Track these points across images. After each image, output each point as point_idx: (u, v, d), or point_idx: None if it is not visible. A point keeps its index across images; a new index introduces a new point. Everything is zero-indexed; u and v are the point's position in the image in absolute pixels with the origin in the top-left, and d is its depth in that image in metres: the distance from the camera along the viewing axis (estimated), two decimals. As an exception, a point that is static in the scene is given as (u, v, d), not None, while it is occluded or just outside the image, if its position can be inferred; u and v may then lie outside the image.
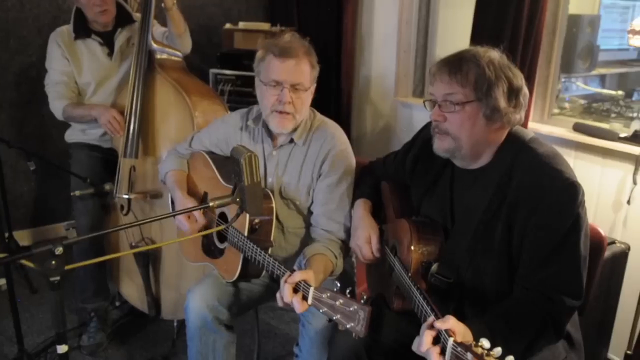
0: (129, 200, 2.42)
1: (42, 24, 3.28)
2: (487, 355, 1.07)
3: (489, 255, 1.44)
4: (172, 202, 2.34)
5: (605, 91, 3.73)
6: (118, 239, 2.54)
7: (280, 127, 1.78)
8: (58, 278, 1.16)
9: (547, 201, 1.35)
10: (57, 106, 2.47)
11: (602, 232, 1.68)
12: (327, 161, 1.82)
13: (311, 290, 1.40)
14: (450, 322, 1.19)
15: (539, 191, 1.36)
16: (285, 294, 1.44)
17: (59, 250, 1.14)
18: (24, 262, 1.16)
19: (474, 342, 1.11)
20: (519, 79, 1.43)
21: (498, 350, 1.07)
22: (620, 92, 3.64)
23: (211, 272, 1.95)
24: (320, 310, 1.37)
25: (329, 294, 1.35)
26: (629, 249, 2.08)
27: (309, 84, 1.78)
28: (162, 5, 2.38)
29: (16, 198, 3.35)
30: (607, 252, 2.03)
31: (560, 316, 1.38)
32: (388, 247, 1.70)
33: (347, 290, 1.39)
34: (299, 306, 1.42)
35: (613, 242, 2.08)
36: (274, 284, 1.94)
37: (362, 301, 1.32)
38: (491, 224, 1.42)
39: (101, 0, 2.39)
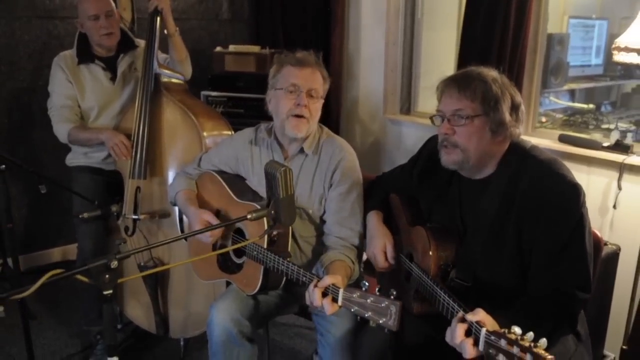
0: (134, 221, 2.45)
1: (33, 49, 3.31)
2: (522, 339, 1.15)
3: (501, 257, 1.54)
4: (181, 221, 2.40)
5: (578, 105, 3.95)
6: (126, 259, 2.55)
7: (296, 130, 1.88)
8: (111, 291, 1.21)
9: (552, 203, 1.47)
10: (62, 129, 2.48)
11: (598, 233, 1.81)
12: (337, 171, 1.93)
13: (341, 291, 1.48)
14: (480, 315, 1.29)
15: (545, 194, 1.47)
16: (315, 298, 1.52)
17: (114, 264, 1.19)
18: (79, 277, 1.20)
19: (507, 330, 1.20)
20: (519, 96, 1.56)
21: (530, 335, 1.15)
22: (591, 105, 3.87)
23: (223, 288, 2.00)
24: (352, 310, 1.45)
25: (358, 294, 1.44)
26: (619, 250, 2.22)
27: (322, 93, 1.93)
28: (165, 31, 2.46)
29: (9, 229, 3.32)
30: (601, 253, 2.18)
31: (572, 309, 1.49)
32: (403, 254, 1.80)
33: (377, 289, 1.46)
34: (329, 308, 1.50)
35: (605, 244, 2.22)
36: (288, 294, 2.02)
37: (391, 297, 1.40)
38: (502, 229, 1.53)
39: (108, 23, 2.45)
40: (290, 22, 3.75)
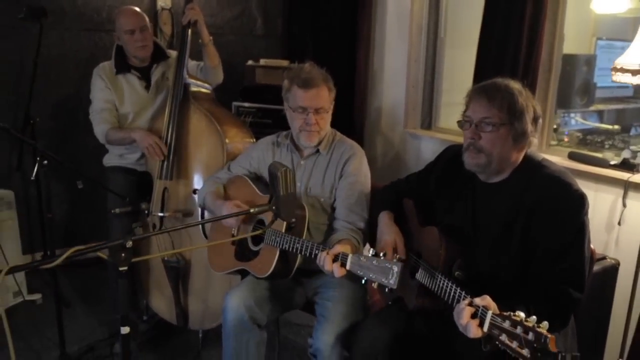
0: (161, 218, 2.65)
1: (80, 59, 3.59)
2: (526, 321, 1.26)
3: (507, 256, 1.66)
4: (203, 225, 2.58)
5: (603, 125, 3.97)
6: (150, 252, 2.75)
7: (309, 141, 2.15)
8: (126, 268, 1.38)
9: (560, 208, 1.59)
10: (101, 130, 2.72)
11: (592, 245, 1.88)
12: (348, 164, 2.15)
13: (350, 257, 1.69)
14: (487, 299, 1.41)
15: (554, 201, 1.60)
16: (327, 263, 1.74)
17: (129, 243, 1.36)
18: (99, 254, 1.38)
19: (511, 313, 1.31)
20: (539, 109, 1.69)
21: (534, 318, 1.26)
22: (616, 127, 3.88)
23: (239, 282, 2.17)
24: (358, 272, 1.64)
25: (365, 258, 1.63)
26: (618, 264, 2.27)
27: (328, 106, 2.14)
28: (200, 41, 2.68)
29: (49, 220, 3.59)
30: (599, 267, 2.23)
31: (567, 306, 1.59)
32: (411, 252, 1.92)
33: (381, 254, 1.65)
34: (337, 271, 1.73)
35: (604, 258, 2.28)
36: (296, 287, 2.20)
37: (394, 260, 1.58)
38: (510, 229, 1.66)
39: (142, 36, 2.69)
40: (319, 38, 3.94)
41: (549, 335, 1.22)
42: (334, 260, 1.74)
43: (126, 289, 1.42)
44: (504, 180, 1.72)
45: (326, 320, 2.00)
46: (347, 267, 1.70)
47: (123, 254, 1.37)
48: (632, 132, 4.02)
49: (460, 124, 1.74)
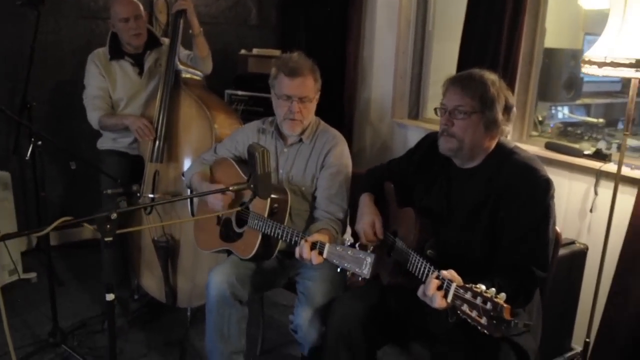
0: (152, 199, 2.75)
1: (77, 46, 3.66)
2: (485, 292, 1.37)
3: (476, 236, 1.77)
4: (191, 203, 2.69)
5: (588, 119, 4.05)
6: (141, 232, 2.86)
7: (291, 130, 2.21)
8: (111, 239, 1.48)
9: (526, 192, 1.70)
10: (94, 116, 2.82)
11: (558, 229, 1.97)
12: (329, 154, 2.21)
13: (327, 246, 1.76)
14: (452, 273, 1.52)
15: (520, 185, 1.71)
16: (305, 251, 1.81)
17: (114, 215, 1.46)
18: (85, 224, 1.47)
19: (473, 285, 1.42)
20: (512, 99, 1.79)
21: (493, 290, 1.37)
22: (601, 120, 3.97)
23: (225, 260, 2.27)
24: (334, 261, 1.72)
25: (341, 248, 1.71)
26: (587, 248, 2.39)
27: (313, 95, 2.20)
28: (190, 31, 2.77)
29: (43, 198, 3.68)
30: (568, 251, 2.35)
31: (530, 284, 1.69)
32: (389, 232, 2.02)
33: (357, 245, 1.73)
34: (315, 259, 1.79)
35: (573, 242, 2.39)
36: (278, 267, 2.29)
37: (368, 251, 1.64)
38: (481, 212, 1.76)
39: (136, 24, 2.79)
40: (311, 29, 4.03)
41: (505, 305, 1.32)
42: (312, 248, 1.81)
43: (111, 259, 1.52)
44: (477, 166, 1.82)
45: (306, 297, 2.11)
46: (324, 255, 1.76)
47: (108, 225, 1.47)
48: (620, 126, 4.12)
49: (436, 111, 1.85)
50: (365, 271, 1.63)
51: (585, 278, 2.40)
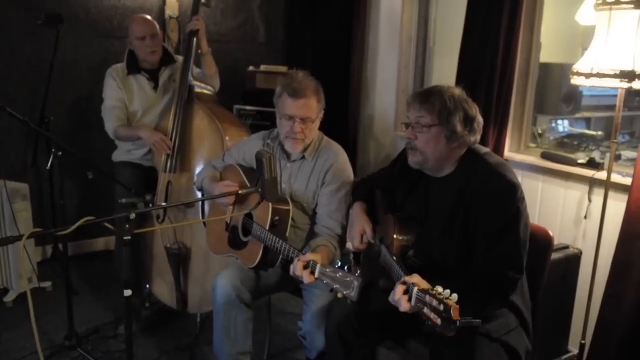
0: (164, 209, 2.88)
1: (92, 63, 3.83)
2: (439, 294, 1.46)
3: (452, 241, 1.85)
4: (202, 210, 2.81)
5: (587, 132, 4.16)
6: (153, 240, 2.98)
7: (293, 148, 2.28)
8: (129, 237, 1.60)
9: (494, 197, 1.78)
10: (111, 127, 2.97)
11: (551, 232, 2.05)
12: (329, 172, 2.29)
13: (318, 266, 1.81)
14: (415, 277, 1.60)
15: (489, 190, 1.79)
16: (297, 269, 1.86)
17: (132, 215, 1.59)
18: (106, 224, 1.60)
19: (431, 288, 1.51)
20: (474, 110, 1.86)
21: (447, 291, 1.46)
22: (599, 133, 4.07)
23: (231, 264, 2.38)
24: (324, 281, 1.77)
25: (331, 269, 1.76)
26: (580, 253, 2.48)
27: (315, 116, 2.25)
28: (199, 51, 2.92)
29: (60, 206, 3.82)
30: (562, 255, 2.44)
31: (504, 286, 1.76)
32: (377, 239, 2.13)
33: (345, 267, 1.78)
34: (307, 278, 1.83)
35: (567, 247, 2.49)
36: (284, 274, 2.36)
37: (356, 274, 1.72)
38: (455, 218, 1.84)
39: (152, 42, 2.95)
40: (317, 46, 4.20)
41: (453, 305, 1.40)
42: (305, 267, 1.84)
43: (128, 257, 1.64)
44: (450, 174, 1.90)
45: (314, 304, 2.20)
46: (316, 275, 1.79)
47: (127, 225, 1.60)
48: (620, 139, 4.20)
49: (402, 125, 1.95)
50: (353, 294, 1.67)
51: (580, 282, 2.49)
